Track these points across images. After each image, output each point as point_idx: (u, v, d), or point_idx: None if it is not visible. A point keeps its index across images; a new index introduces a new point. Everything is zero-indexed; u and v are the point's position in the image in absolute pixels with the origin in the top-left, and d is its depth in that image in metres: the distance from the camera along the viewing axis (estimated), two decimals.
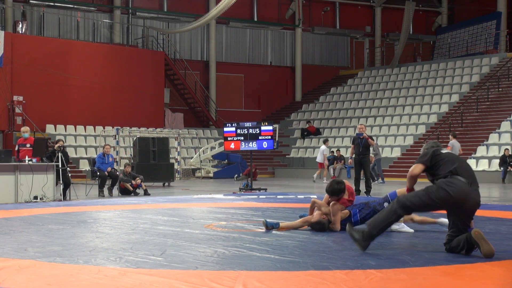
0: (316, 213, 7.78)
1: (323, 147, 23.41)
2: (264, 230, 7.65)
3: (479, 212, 10.06)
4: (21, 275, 5.10)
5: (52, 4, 29.51)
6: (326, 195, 7.78)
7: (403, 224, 7.63)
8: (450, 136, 19.11)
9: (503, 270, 5.33)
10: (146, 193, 15.55)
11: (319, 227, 7.58)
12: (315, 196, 13.72)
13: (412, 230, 7.54)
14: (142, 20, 32.12)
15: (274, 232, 7.56)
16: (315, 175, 23.26)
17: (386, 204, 7.55)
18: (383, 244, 6.60)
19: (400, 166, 24.42)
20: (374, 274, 4.98)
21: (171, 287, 4.59)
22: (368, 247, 6.04)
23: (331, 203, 7.62)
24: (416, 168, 6.07)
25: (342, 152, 26.20)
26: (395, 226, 7.63)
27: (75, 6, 30.19)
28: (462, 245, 5.83)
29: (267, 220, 7.87)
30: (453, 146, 20.57)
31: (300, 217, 8.30)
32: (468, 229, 5.93)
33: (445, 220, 7.66)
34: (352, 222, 7.52)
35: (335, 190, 7.53)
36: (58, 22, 29.77)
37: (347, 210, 7.64)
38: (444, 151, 6.16)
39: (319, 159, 23.32)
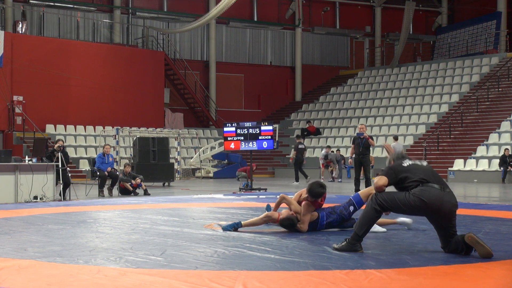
0: (284, 211, 7.69)
1: (323, 152, 24.50)
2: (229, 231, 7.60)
3: (479, 212, 10.10)
4: (21, 275, 5.10)
5: (52, 4, 29.52)
6: (298, 193, 7.73)
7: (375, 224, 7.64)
8: (392, 139, 19.64)
9: (503, 270, 5.33)
10: (146, 193, 15.55)
11: (288, 223, 7.47)
12: None
13: (384, 230, 7.54)
14: (142, 20, 32.13)
15: (273, 231, 7.54)
16: (322, 177, 23.69)
17: (351, 208, 7.62)
18: (383, 244, 6.60)
19: None
20: (374, 274, 4.98)
21: (171, 287, 4.59)
22: (361, 246, 6.01)
23: (304, 203, 7.51)
24: (381, 180, 5.98)
25: (342, 152, 26.19)
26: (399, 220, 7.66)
27: (75, 6, 30.19)
28: (461, 247, 5.82)
29: (223, 226, 7.69)
30: (395, 148, 21.33)
31: (267, 208, 8.26)
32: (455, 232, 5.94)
33: (405, 219, 7.70)
34: (319, 225, 7.53)
35: (317, 193, 7.40)
36: (58, 22, 29.77)
37: (316, 212, 7.58)
38: (406, 163, 6.06)
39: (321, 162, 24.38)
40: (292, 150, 22.98)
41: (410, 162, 6.09)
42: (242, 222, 7.68)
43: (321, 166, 24.30)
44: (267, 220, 7.68)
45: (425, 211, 5.86)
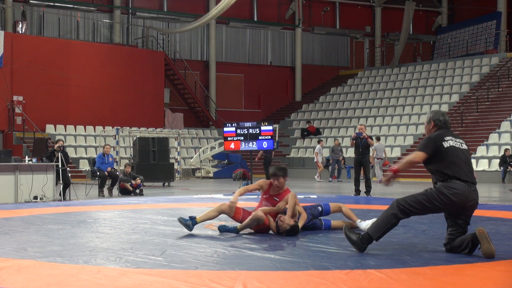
0: (262, 209, 7.50)
1: (318, 146, 24.28)
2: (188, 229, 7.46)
3: (479, 212, 10.07)
4: (21, 275, 5.10)
5: (52, 4, 29.52)
6: (257, 182, 7.74)
7: (363, 222, 7.68)
8: (375, 139, 19.81)
9: (503, 270, 5.33)
10: (140, 193, 15.55)
11: (295, 231, 7.28)
12: (315, 196, 13.74)
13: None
14: (142, 20, 32.12)
15: (271, 232, 7.52)
16: (317, 176, 23.72)
17: (320, 208, 7.74)
18: (383, 244, 6.60)
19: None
20: (374, 274, 4.98)
21: (171, 287, 4.59)
22: (366, 249, 6.02)
23: (290, 194, 7.45)
24: (417, 156, 5.94)
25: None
26: (362, 226, 7.64)
27: (75, 6, 30.19)
28: (466, 244, 5.80)
29: (181, 218, 7.52)
30: (377, 148, 21.89)
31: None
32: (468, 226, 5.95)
33: (363, 225, 7.59)
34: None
35: (271, 172, 7.48)
36: (58, 22, 29.77)
37: (305, 213, 7.54)
38: (447, 143, 5.94)
39: (315, 159, 24.26)
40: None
41: (451, 143, 5.96)
42: (197, 217, 7.52)
43: (318, 164, 24.08)
44: (219, 213, 7.54)
45: (450, 207, 5.89)
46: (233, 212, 7.54)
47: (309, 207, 7.79)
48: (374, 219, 7.73)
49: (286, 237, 7.16)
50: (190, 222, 7.44)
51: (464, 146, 6.08)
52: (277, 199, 7.53)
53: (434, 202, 5.85)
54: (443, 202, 5.83)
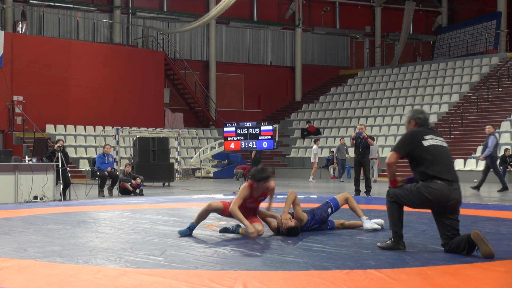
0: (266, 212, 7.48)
1: (314, 147, 24.14)
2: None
3: (479, 212, 10.09)
4: (21, 275, 5.10)
5: (52, 4, 29.51)
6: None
7: (370, 221, 7.68)
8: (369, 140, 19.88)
9: (503, 270, 5.33)
10: (140, 193, 15.56)
11: (296, 232, 7.26)
12: (315, 196, 13.74)
13: (379, 226, 7.60)
14: (142, 20, 32.12)
15: (270, 232, 7.52)
16: (311, 177, 23.65)
17: (329, 210, 7.71)
18: None
19: (400, 165, 24.37)
20: (374, 274, 4.98)
21: (171, 287, 4.59)
22: (404, 245, 6.08)
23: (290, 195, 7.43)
24: (391, 157, 6.09)
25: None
26: (367, 225, 7.64)
27: (75, 6, 30.19)
28: (463, 246, 5.82)
29: (180, 230, 7.34)
30: (372, 149, 21.98)
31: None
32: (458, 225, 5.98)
33: (368, 224, 7.63)
34: (305, 227, 7.48)
35: (257, 178, 7.20)
36: (58, 22, 29.77)
37: (306, 214, 7.51)
38: (427, 142, 5.95)
39: (312, 159, 24.11)
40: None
41: (431, 142, 5.98)
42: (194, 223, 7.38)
43: (313, 165, 23.99)
44: (209, 210, 7.35)
45: (429, 205, 5.95)
46: (222, 209, 7.30)
47: (319, 210, 7.67)
48: (378, 220, 7.75)
49: (286, 237, 7.16)
50: (190, 232, 7.28)
51: (445, 145, 6.11)
52: (262, 198, 7.39)
53: (414, 199, 5.95)
54: (422, 201, 5.91)
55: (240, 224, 7.31)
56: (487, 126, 17.28)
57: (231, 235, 7.31)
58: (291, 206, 7.46)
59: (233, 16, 33.16)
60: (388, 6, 37.49)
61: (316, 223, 7.59)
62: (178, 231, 7.39)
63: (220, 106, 33.49)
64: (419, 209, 6.28)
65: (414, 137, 6.03)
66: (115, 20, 31.09)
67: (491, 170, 16.75)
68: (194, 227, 7.38)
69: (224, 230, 7.48)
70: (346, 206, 7.94)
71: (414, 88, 31.42)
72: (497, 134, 21.00)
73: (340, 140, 25.25)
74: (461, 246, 5.84)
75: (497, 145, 16.68)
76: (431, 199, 5.85)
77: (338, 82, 35.79)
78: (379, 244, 6.24)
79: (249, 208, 7.33)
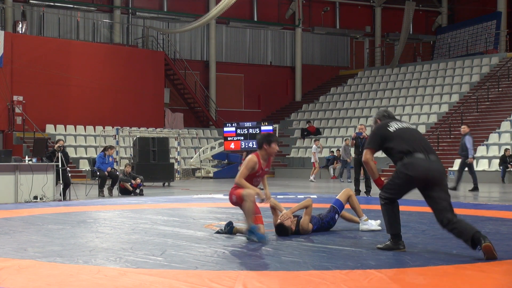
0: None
1: (314, 146, 24.20)
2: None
3: (479, 212, 10.09)
4: (21, 275, 5.10)
5: (52, 4, 29.51)
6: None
7: (370, 221, 7.67)
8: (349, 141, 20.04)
9: (503, 270, 5.33)
10: (140, 193, 15.56)
11: (285, 232, 7.24)
12: (315, 196, 13.75)
13: (379, 227, 7.57)
14: (142, 20, 32.12)
15: (273, 232, 7.52)
16: (311, 177, 23.61)
17: (336, 216, 7.67)
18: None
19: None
20: (374, 274, 4.98)
21: (171, 287, 4.59)
22: (404, 245, 6.06)
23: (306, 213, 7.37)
24: (365, 155, 6.12)
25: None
26: (364, 226, 7.63)
27: (75, 6, 30.19)
28: (466, 239, 5.69)
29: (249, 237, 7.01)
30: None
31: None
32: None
33: (364, 227, 7.65)
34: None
35: (267, 140, 7.01)
36: (58, 22, 29.77)
37: (311, 224, 7.44)
38: (392, 127, 6.07)
39: (312, 159, 24.15)
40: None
41: (396, 126, 6.10)
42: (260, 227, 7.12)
43: (314, 165, 23.98)
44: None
45: (415, 183, 5.93)
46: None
47: (327, 219, 7.58)
48: (377, 221, 7.73)
49: (286, 237, 7.15)
50: (264, 240, 6.81)
51: (413, 127, 6.23)
52: (267, 169, 7.21)
53: (400, 183, 5.95)
54: (406, 180, 5.92)
55: (235, 225, 7.35)
56: (462, 126, 17.42)
57: (231, 236, 7.29)
58: (304, 212, 7.42)
59: (233, 16, 33.17)
60: (388, 6, 37.49)
61: (323, 229, 7.56)
62: (248, 237, 6.98)
63: (220, 106, 33.49)
64: (410, 194, 6.20)
65: (380, 129, 6.16)
66: (115, 20, 31.10)
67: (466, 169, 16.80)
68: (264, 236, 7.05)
69: (218, 232, 7.44)
70: (347, 206, 7.93)
71: (414, 88, 31.42)
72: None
73: (346, 140, 25.09)
74: (463, 237, 5.70)
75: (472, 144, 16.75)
76: (413, 174, 5.86)
77: (338, 82, 35.79)
78: (379, 245, 6.23)
79: (256, 183, 7.10)
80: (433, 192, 5.87)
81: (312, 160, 23.97)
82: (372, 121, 6.48)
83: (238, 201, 6.93)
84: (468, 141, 16.44)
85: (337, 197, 7.77)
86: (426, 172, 5.84)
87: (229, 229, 7.34)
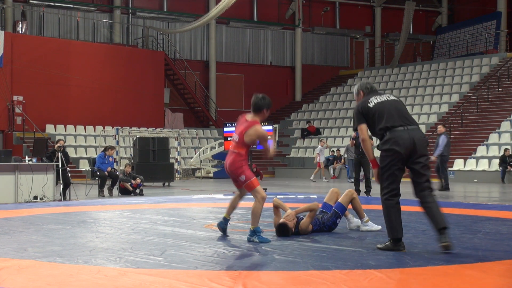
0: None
1: (319, 147, 24.31)
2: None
3: (479, 212, 10.08)
4: (21, 275, 5.10)
5: (52, 4, 29.51)
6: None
7: (370, 223, 7.66)
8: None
9: (503, 270, 5.33)
10: (140, 193, 15.56)
11: (285, 232, 7.22)
12: (315, 196, 13.75)
13: (379, 227, 7.56)
14: (142, 20, 32.12)
15: (273, 232, 7.52)
16: (312, 176, 23.63)
17: (338, 220, 7.65)
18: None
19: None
20: (374, 274, 4.98)
21: (171, 287, 4.59)
22: (404, 245, 6.08)
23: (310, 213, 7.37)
24: (361, 134, 6.19)
25: (342, 152, 26.19)
26: (365, 227, 7.62)
27: (75, 6, 30.19)
28: (433, 227, 5.94)
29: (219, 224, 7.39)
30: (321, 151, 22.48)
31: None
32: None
33: (365, 228, 7.66)
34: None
35: (267, 104, 6.98)
36: (58, 22, 29.77)
37: (311, 226, 7.44)
38: (372, 102, 6.14)
39: (316, 159, 24.21)
40: None
41: (375, 102, 6.16)
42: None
43: (319, 165, 24.02)
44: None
45: (401, 157, 5.96)
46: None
47: (329, 223, 7.54)
48: (371, 224, 7.72)
49: (285, 237, 7.15)
50: (267, 243, 6.73)
51: (392, 98, 6.24)
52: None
53: (389, 164, 5.99)
54: (393, 158, 5.97)
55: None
56: (439, 126, 17.39)
57: (231, 235, 7.30)
58: (307, 215, 7.41)
59: (233, 16, 33.16)
60: (388, 6, 37.48)
61: (323, 232, 7.55)
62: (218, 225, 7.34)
63: (220, 106, 33.49)
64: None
65: (361, 105, 6.22)
66: (115, 20, 31.09)
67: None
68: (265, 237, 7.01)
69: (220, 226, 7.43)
70: (349, 206, 7.92)
71: (414, 88, 31.42)
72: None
73: (350, 140, 25.03)
74: (431, 223, 5.95)
75: (448, 145, 16.49)
76: (397, 149, 5.92)
77: (338, 82, 35.79)
78: (379, 245, 6.23)
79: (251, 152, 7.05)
80: (416, 165, 6.00)
81: (317, 160, 23.96)
82: (354, 91, 6.50)
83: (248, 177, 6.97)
84: (442, 140, 16.30)
85: (339, 200, 7.74)
86: (408, 143, 5.94)
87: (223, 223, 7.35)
